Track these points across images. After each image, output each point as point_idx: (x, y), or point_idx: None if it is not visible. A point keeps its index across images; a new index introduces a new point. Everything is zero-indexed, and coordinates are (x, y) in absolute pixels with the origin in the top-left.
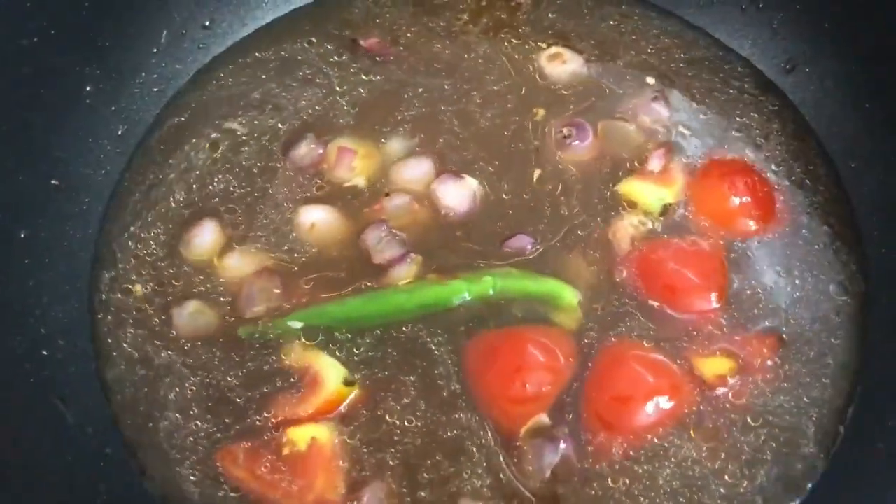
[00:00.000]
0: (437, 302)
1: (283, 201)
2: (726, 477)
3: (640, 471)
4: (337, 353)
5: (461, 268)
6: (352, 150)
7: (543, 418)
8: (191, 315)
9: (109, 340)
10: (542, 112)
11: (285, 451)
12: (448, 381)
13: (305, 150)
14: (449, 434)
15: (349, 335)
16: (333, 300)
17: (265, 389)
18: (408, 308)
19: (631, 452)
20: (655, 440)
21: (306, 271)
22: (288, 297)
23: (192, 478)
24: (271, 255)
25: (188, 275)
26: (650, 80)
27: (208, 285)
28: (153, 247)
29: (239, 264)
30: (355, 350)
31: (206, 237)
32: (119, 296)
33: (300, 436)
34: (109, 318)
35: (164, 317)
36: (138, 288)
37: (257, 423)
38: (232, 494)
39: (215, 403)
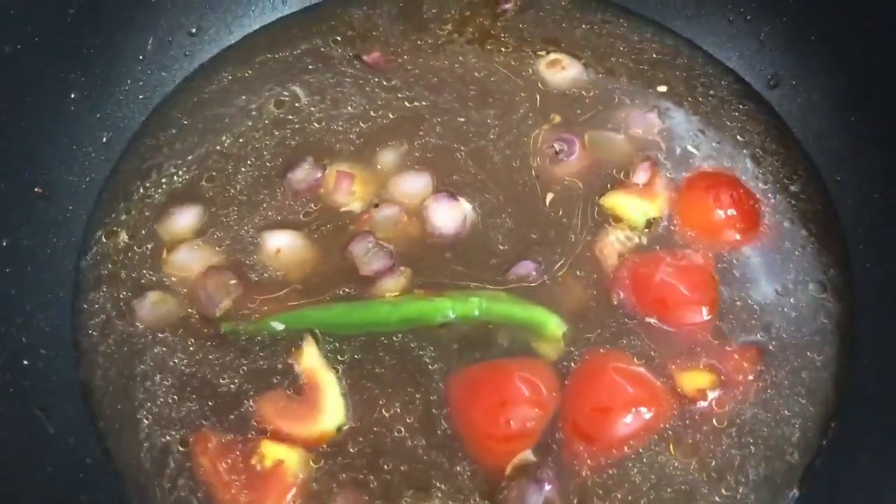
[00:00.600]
0: (422, 317)
1: (262, 221)
2: (706, 491)
3: (621, 492)
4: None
5: (448, 285)
6: (350, 174)
7: (529, 455)
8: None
9: (91, 349)
10: (556, 118)
11: (252, 460)
12: (434, 407)
13: (303, 173)
14: (432, 473)
15: (336, 343)
16: (317, 305)
17: (261, 385)
18: (391, 321)
19: (610, 471)
20: (636, 456)
21: (290, 281)
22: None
23: (168, 487)
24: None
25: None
26: (637, 91)
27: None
28: (136, 255)
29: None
30: (339, 357)
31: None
32: (101, 304)
33: (271, 452)
34: (92, 326)
35: (151, 347)
36: (122, 295)
37: (243, 416)
38: None
39: (201, 407)
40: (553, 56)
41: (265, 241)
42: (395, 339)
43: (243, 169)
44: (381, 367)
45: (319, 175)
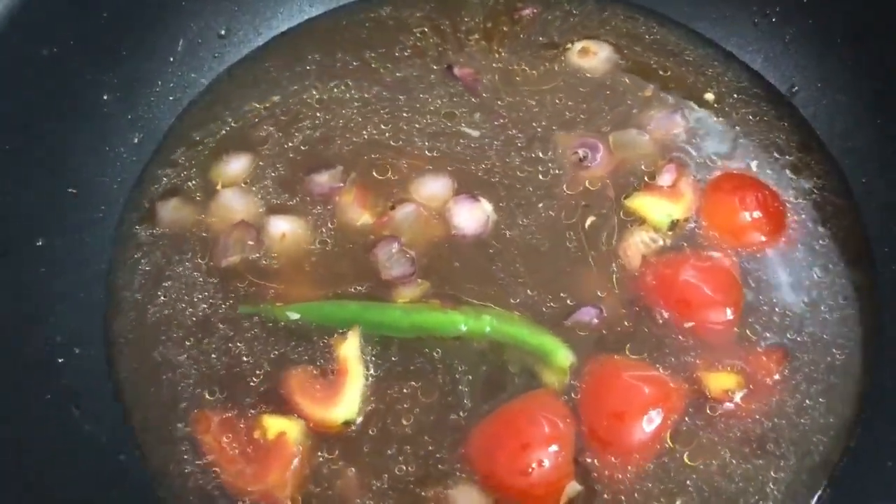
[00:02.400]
0: (434, 328)
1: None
2: (734, 490)
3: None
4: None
5: (467, 296)
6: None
7: (575, 486)
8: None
9: (123, 347)
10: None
11: (255, 433)
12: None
13: (326, 178)
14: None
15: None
16: (333, 300)
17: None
18: (403, 326)
19: (644, 477)
20: (658, 459)
21: (316, 265)
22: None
23: (200, 483)
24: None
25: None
26: (661, 92)
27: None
28: (166, 255)
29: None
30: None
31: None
32: (132, 303)
33: (272, 425)
34: (123, 324)
35: (179, 318)
36: (152, 294)
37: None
38: None
39: (237, 401)
40: (582, 44)
41: (269, 224)
42: (436, 354)
43: (271, 171)
44: (411, 380)
45: (341, 185)
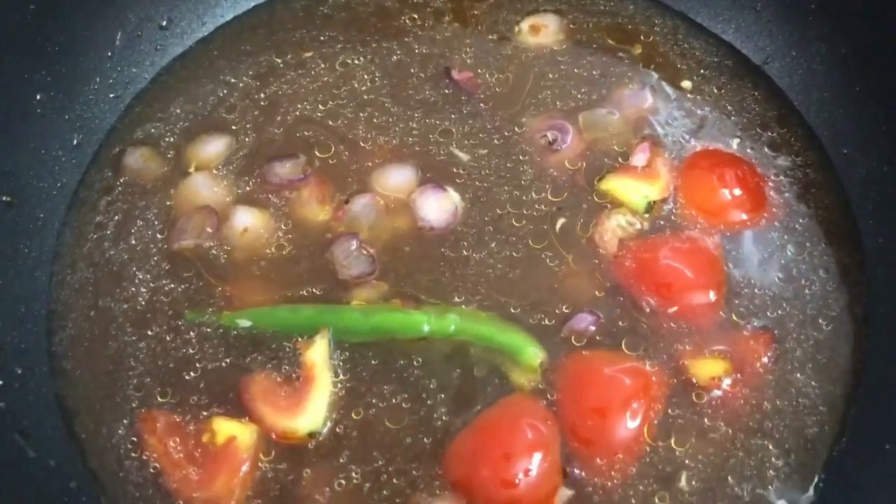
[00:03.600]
0: (395, 329)
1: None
2: (732, 481)
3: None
4: None
5: (430, 294)
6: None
7: (565, 492)
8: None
9: (68, 364)
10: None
11: (204, 437)
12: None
13: (288, 169)
14: None
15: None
16: (286, 305)
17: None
18: (362, 329)
19: (634, 473)
20: (647, 453)
21: (266, 267)
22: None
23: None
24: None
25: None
26: (630, 69)
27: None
28: (112, 261)
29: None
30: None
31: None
32: (77, 316)
33: (222, 429)
34: (68, 339)
35: (128, 328)
36: (98, 302)
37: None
38: None
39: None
40: (537, 18)
41: (235, 215)
42: (406, 359)
43: (224, 166)
44: (382, 387)
45: (301, 178)
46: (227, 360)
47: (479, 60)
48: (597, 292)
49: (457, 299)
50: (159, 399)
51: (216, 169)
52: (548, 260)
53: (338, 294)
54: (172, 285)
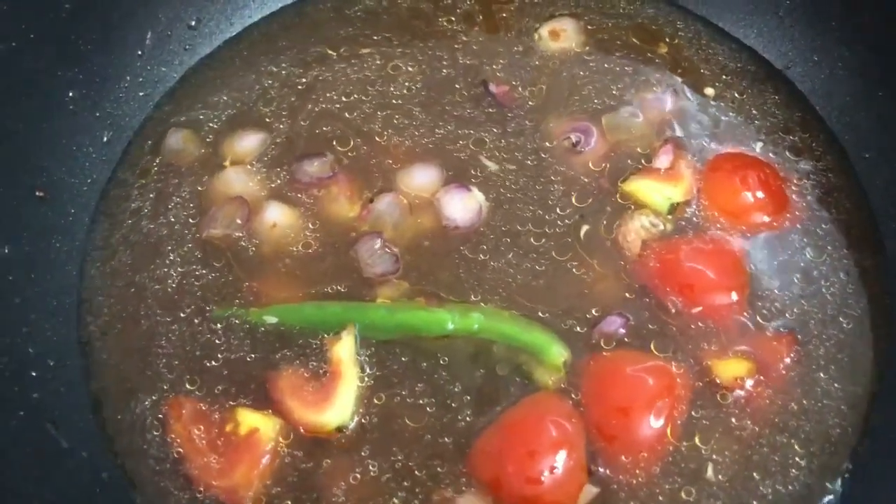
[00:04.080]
0: (419, 327)
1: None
2: (757, 478)
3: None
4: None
5: (454, 294)
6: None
7: (591, 489)
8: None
9: (99, 356)
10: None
11: (227, 427)
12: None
13: (317, 167)
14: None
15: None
16: (312, 302)
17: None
18: (387, 326)
19: (658, 471)
20: (672, 452)
21: (292, 264)
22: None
23: (186, 498)
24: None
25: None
26: (653, 72)
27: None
28: (149, 235)
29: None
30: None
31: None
32: (108, 308)
33: (246, 420)
34: (98, 332)
35: (158, 312)
36: (135, 279)
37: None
38: None
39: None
40: (554, 23)
41: (265, 210)
42: (432, 355)
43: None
44: (408, 383)
45: (330, 175)
46: (255, 355)
47: (511, 73)
48: (625, 294)
49: (481, 303)
50: (188, 386)
51: (250, 164)
52: (574, 269)
53: (362, 291)
54: (203, 271)
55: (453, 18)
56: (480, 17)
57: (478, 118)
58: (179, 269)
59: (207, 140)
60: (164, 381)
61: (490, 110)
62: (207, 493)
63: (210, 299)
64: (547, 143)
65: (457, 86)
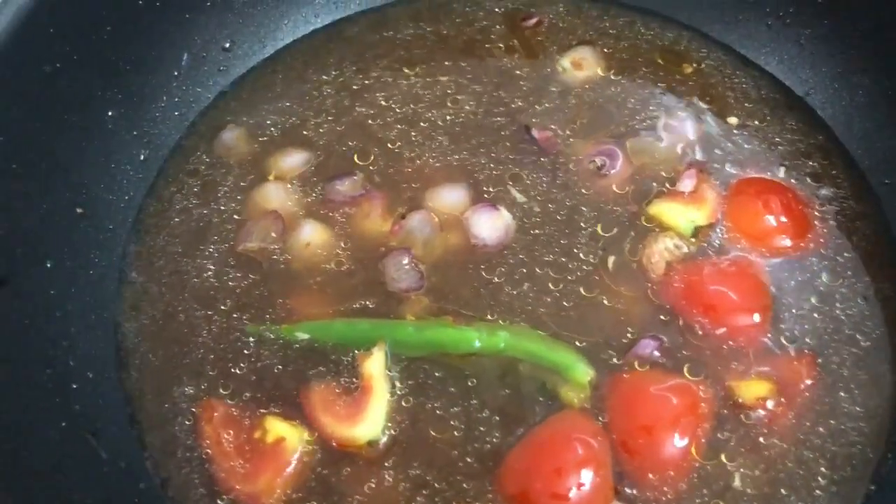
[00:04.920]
0: (446, 344)
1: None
2: (777, 500)
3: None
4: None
5: (479, 313)
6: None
7: None
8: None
9: (136, 370)
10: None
11: (255, 434)
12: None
13: (348, 186)
14: None
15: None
16: (342, 319)
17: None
18: (415, 343)
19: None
20: (696, 471)
21: (322, 282)
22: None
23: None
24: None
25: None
26: (676, 98)
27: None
28: (175, 270)
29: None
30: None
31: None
32: (143, 324)
33: (274, 429)
34: (135, 346)
35: (190, 333)
36: (164, 309)
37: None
38: None
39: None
40: (575, 53)
41: (301, 227)
42: (468, 381)
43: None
44: (438, 400)
45: (362, 193)
46: (287, 368)
47: (551, 117)
48: (657, 316)
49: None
50: (221, 391)
51: (290, 182)
52: (600, 292)
53: (390, 307)
54: (240, 286)
55: (488, 45)
56: (515, 41)
57: (512, 152)
58: (216, 285)
59: (245, 157)
60: (199, 394)
61: (523, 145)
62: (230, 496)
63: (244, 314)
64: (572, 167)
65: (496, 120)
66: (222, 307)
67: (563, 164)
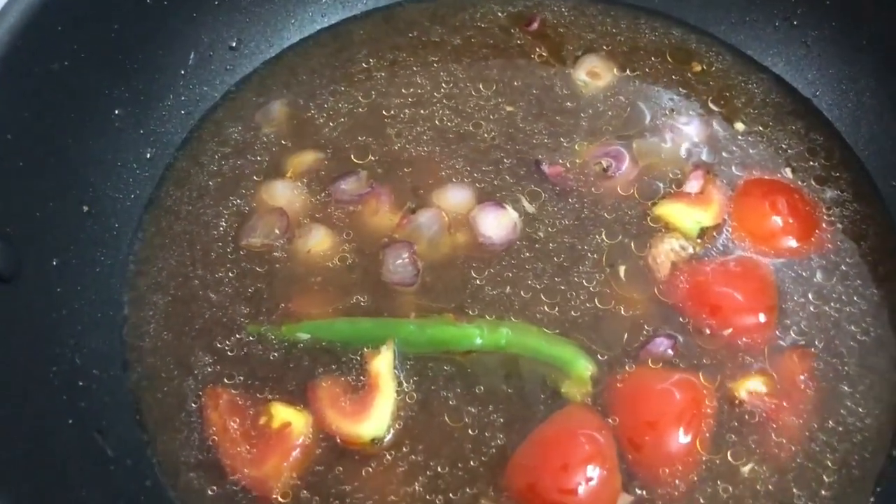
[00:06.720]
0: (448, 342)
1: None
2: (782, 499)
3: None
4: None
5: (484, 309)
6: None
7: (626, 498)
8: None
9: (142, 367)
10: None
11: (261, 420)
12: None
13: (353, 185)
14: None
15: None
16: (344, 318)
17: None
18: (418, 341)
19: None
20: (701, 468)
21: (323, 281)
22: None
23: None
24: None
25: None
26: (682, 98)
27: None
28: (177, 269)
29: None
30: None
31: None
32: (149, 322)
33: (279, 414)
34: (141, 344)
35: (195, 330)
36: (167, 311)
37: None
38: None
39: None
40: (587, 62)
41: (305, 228)
42: (471, 377)
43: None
44: (444, 398)
45: (367, 192)
46: (295, 364)
47: (558, 122)
48: (664, 316)
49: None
50: (225, 381)
51: (300, 181)
52: (607, 292)
53: (381, 304)
54: (242, 283)
55: (496, 45)
56: (526, 41)
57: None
58: (220, 282)
59: (254, 158)
60: (204, 388)
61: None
62: (238, 482)
63: (249, 311)
64: (578, 170)
65: (503, 119)
66: (227, 305)
67: (570, 168)
